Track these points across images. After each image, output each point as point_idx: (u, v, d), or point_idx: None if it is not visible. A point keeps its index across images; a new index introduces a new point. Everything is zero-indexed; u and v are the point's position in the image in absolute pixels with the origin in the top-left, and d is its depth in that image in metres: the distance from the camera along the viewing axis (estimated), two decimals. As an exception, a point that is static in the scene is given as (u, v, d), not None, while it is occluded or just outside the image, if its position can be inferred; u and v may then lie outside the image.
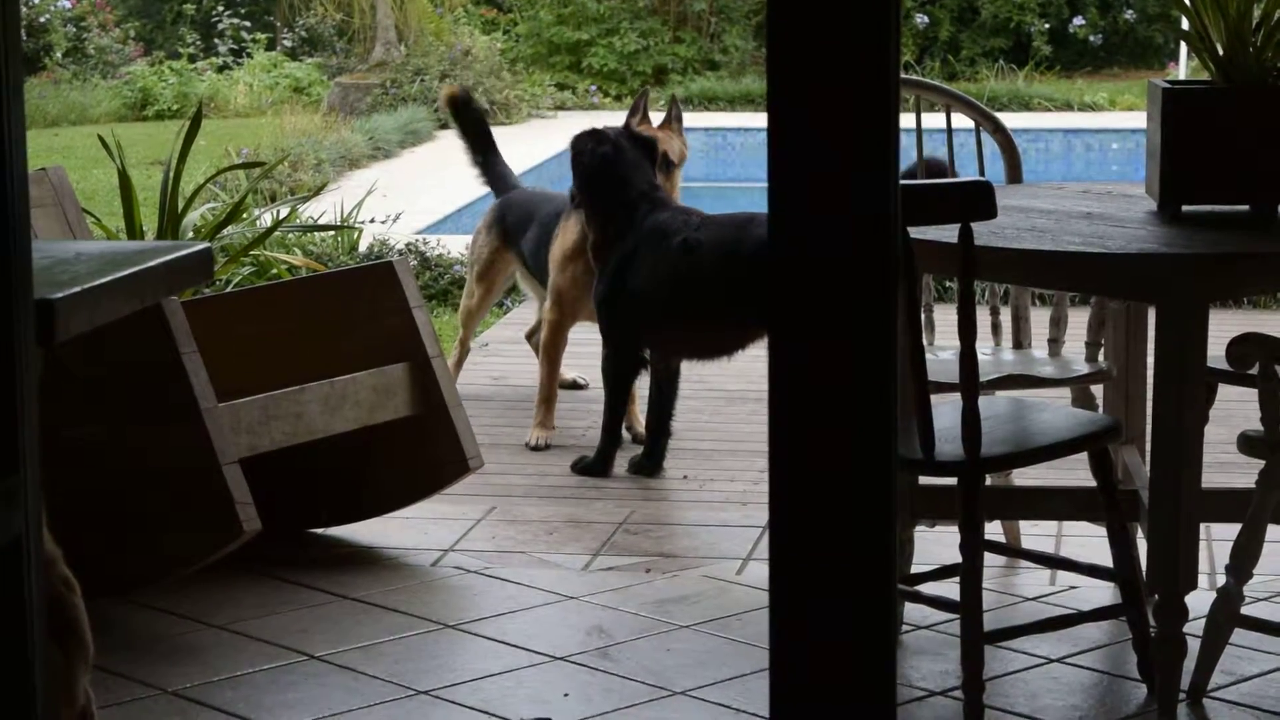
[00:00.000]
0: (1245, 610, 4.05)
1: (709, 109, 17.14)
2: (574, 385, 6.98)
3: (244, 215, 7.54)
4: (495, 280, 6.84)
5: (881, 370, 1.87)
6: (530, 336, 7.08)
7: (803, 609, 1.92)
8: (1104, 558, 4.25)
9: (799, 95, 1.84)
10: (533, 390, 6.79)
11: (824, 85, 1.83)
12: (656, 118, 6.47)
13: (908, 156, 5.06)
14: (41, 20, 18.02)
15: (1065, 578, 4.82)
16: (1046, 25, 18.68)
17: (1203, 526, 4.30)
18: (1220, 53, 4.23)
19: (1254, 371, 3.92)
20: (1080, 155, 15.93)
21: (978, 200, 3.85)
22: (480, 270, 6.84)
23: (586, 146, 6.01)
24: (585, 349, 6.90)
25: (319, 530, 5.36)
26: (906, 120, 4.96)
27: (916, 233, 3.89)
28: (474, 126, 7.01)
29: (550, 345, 6.39)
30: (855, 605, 1.91)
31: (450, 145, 14.73)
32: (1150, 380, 4.08)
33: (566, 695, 4.19)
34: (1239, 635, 4.13)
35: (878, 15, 1.82)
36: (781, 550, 1.92)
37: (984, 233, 3.96)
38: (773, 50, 1.84)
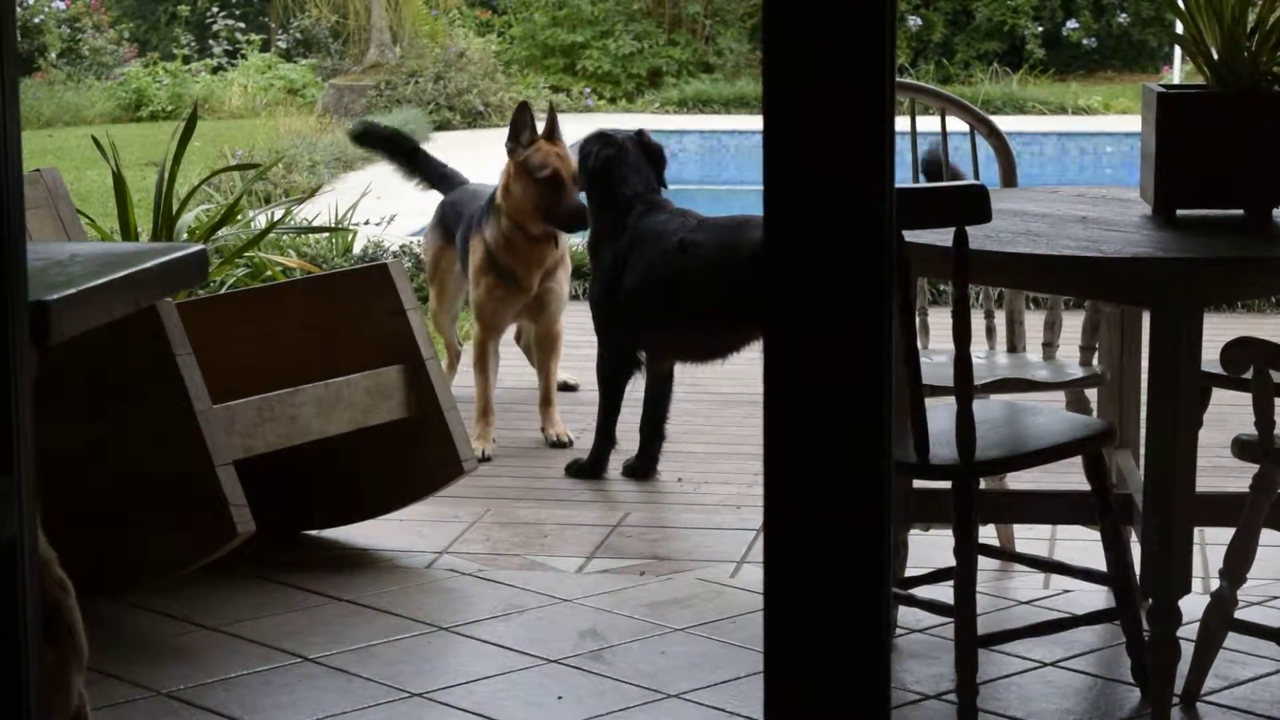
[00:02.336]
0: (1239, 614, 4.05)
1: (704, 112, 17.15)
2: (566, 387, 6.98)
3: (238, 217, 7.54)
4: (445, 280, 6.84)
5: (877, 371, 1.87)
6: (519, 338, 7.09)
7: (797, 612, 1.92)
8: (1098, 562, 4.25)
9: (794, 96, 1.84)
10: (527, 392, 6.80)
11: (820, 86, 1.83)
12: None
13: (903, 160, 5.07)
14: (36, 21, 18.02)
15: (1059, 581, 4.82)
16: (1040, 28, 18.69)
17: (1196, 531, 4.30)
18: (1215, 57, 4.23)
19: (1248, 375, 3.92)
20: (1074, 159, 15.94)
21: (972, 204, 3.85)
22: (429, 273, 6.90)
23: (593, 148, 6.04)
24: (579, 351, 6.90)
25: (313, 532, 5.36)
26: (902, 124, 4.97)
27: (911, 236, 3.89)
28: (387, 147, 7.08)
29: (477, 360, 6.40)
30: (849, 608, 1.91)
31: (445, 147, 14.74)
32: (1144, 384, 4.09)
33: (560, 698, 4.19)
34: (1232, 639, 4.13)
35: (873, 16, 1.82)
36: (776, 553, 1.92)
37: (979, 236, 3.97)
38: (768, 52, 1.84)
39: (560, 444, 6.29)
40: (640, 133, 6.16)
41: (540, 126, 6.30)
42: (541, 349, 6.49)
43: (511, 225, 6.26)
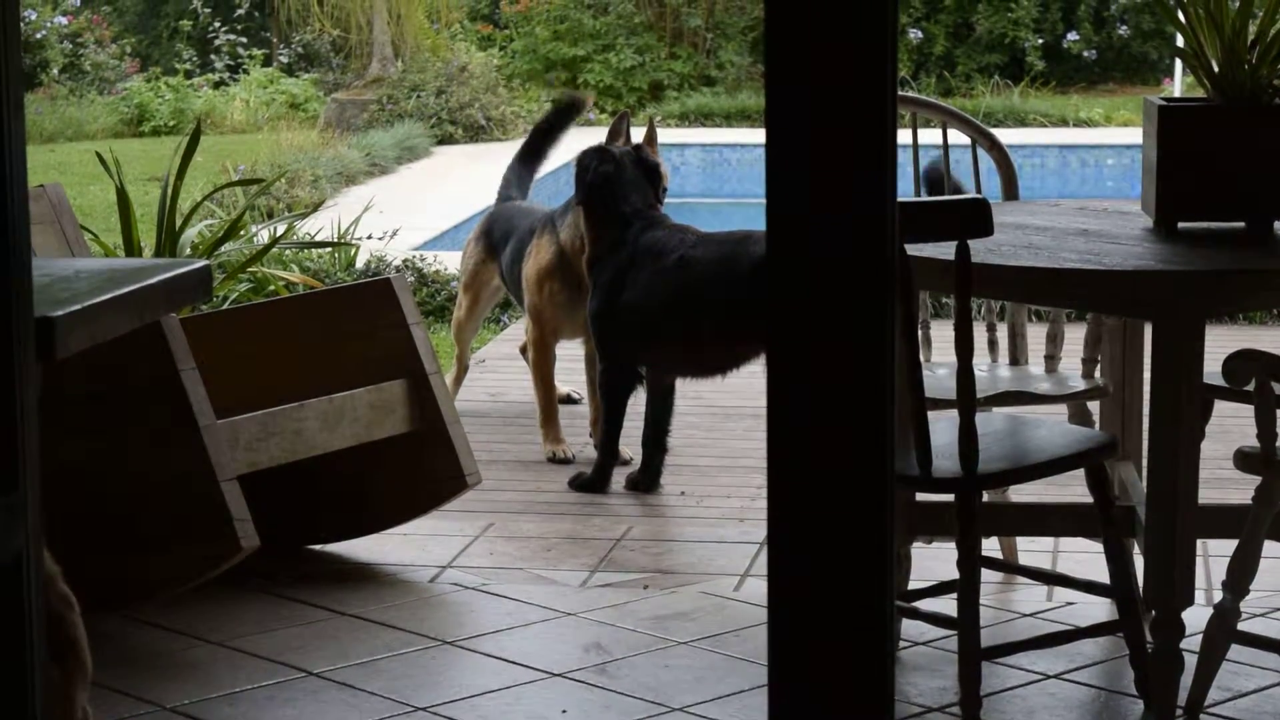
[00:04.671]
0: (1242, 626, 4.05)
1: (705, 125, 17.16)
2: (568, 400, 6.98)
3: (241, 232, 7.55)
4: (480, 292, 6.86)
5: (879, 375, 1.87)
6: (524, 351, 7.09)
7: (800, 625, 1.92)
8: (1101, 574, 4.25)
9: (796, 97, 1.85)
10: (531, 405, 6.80)
11: (821, 87, 1.84)
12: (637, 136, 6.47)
13: (904, 173, 5.08)
14: (38, 36, 18.04)
15: (1062, 594, 4.82)
16: (1041, 41, 18.70)
17: (1199, 542, 4.31)
18: (1215, 70, 4.24)
19: (1250, 387, 3.92)
20: (1076, 171, 15.94)
21: (974, 217, 3.85)
22: (466, 281, 6.90)
23: (590, 163, 6.05)
24: (577, 364, 6.90)
25: (317, 546, 5.36)
26: (903, 137, 4.98)
27: (914, 250, 3.90)
28: (549, 130, 7.10)
29: (539, 363, 6.42)
30: (853, 621, 1.91)
31: (447, 161, 14.76)
32: (1147, 396, 4.09)
33: (565, 712, 4.19)
34: (1235, 651, 4.14)
35: (875, 16, 1.83)
36: (779, 566, 1.93)
37: (981, 250, 3.97)
38: (770, 52, 1.85)
39: (622, 461, 6.19)
40: (638, 148, 6.17)
41: (636, 136, 6.32)
42: (593, 366, 6.46)
43: None
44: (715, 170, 16.30)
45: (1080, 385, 4.84)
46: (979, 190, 4.89)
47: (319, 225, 9.56)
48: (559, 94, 7.09)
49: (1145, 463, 4.04)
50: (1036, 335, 5.27)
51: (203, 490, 4.53)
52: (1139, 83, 18.76)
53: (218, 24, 19.16)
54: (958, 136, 5.04)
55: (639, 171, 6.07)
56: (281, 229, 8.29)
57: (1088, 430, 4.36)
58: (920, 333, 4.77)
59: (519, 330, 8.19)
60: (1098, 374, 4.87)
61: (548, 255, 6.34)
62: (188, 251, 6.78)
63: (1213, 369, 4.05)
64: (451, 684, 4.37)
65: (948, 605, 4.08)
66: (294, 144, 14.22)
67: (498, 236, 6.74)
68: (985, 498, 4.72)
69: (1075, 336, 5.36)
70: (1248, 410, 3.99)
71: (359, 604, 4.90)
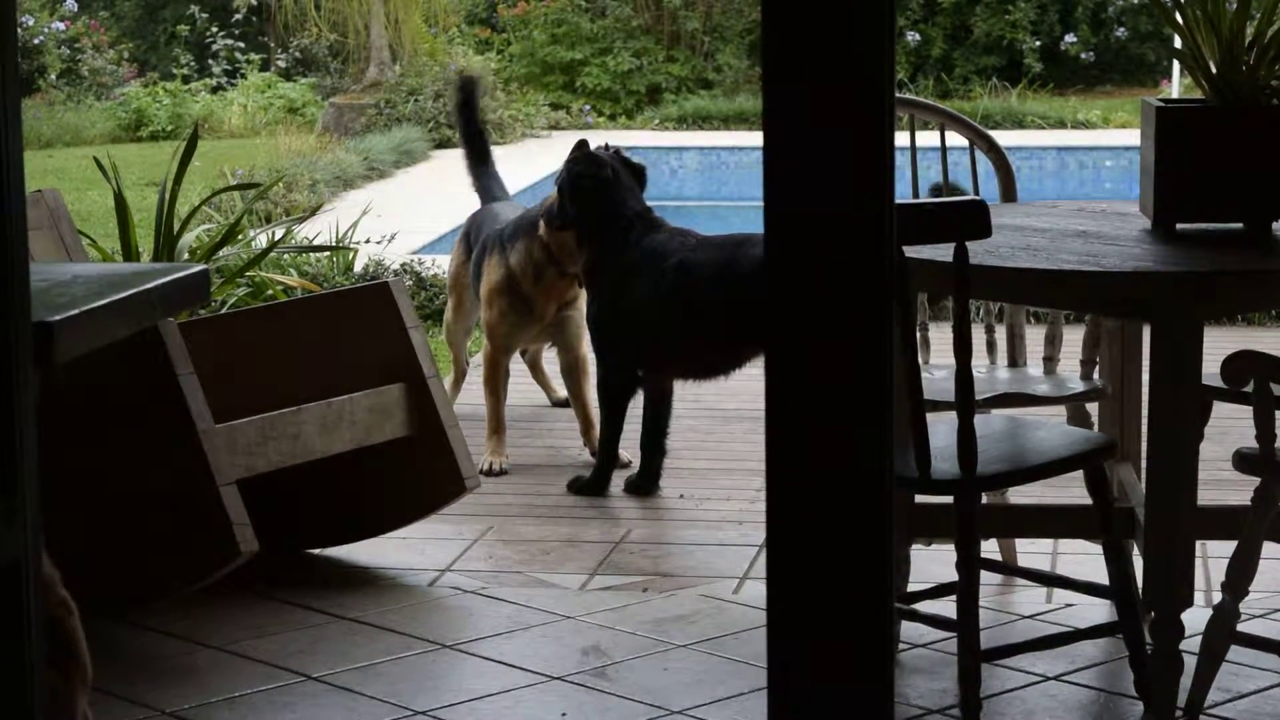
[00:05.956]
0: (1241, 627, 4.05)
1: (703, 128, 17.16)
2: (567, 403, 6.97)
3: (239, 236, 7.54)
4: (463, 293, 6.85)
5: (877, 372, 1.87)
6: (523, 354, 7.08)
7: (799, 628, 1.92)
8: (1100, 575, 4.25)
9: (794, 95, 1.85)
10: (530, 409, 6.80)
11: (819, 85, 1.84)
12: None
13: (902, 176, 5.08)
14: (36, 42, 18.04)
15: (1061, 595, 4.82)
16: (1038, 43, 18.70)
17: (1198, 544, 4.31)
18: (1213, 71, 4.24)
19: (1249, 389, 3.92)
20: (1074, 173, 15.95)
21: (973, 219, 3.85)
22: (450, 283, 6.91)
23: (583, 169, 6.02)
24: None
25: (316, 550, 5.36)
26: (901, 139, 4.98)
27: (912, 252, 3.90)
28: (471, 118, 7.11)
29: (488, 379, 6.42)
30: (852, 623, 1.91)
31: (445, 165, 14.76)
32: (1145, 398, 4.09)
33: (564, 715, 4.19)
34: (1235, 652, 4.13)
35: (872, 14, 1.83)
36: (778, 568, 1.92)
37: (979, 251, 3.97)
38: (768, 51, 1.85)
39: (621, 465, 6.16)
40: (618, 151, 6.16)
41: None
42: (571, 377, 6.46)
43: (546, 258, 6.24)
44: (713, 173, 16.30)
45: (1079, 387, 4.84)
46: (977, 192, 4.89)
47: (317, 229, 9.55)
48: (452, 82, 7.13)
49: (1144, 464, 4.04)
50: (1035, 337, 5.27)
51: (201, 495, 4.53)
52: (1137, 84, 18.76)
53: (215, 29, 19.16)
54: (956, 139, 5.04)
55: (630, 174, 6.06)
56: (279, 233, 8.29)
57: (1087, 432, 4.36)
58: (919, 335, 4.77)
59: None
60: (1096, 375, 4.87)
61: (496, 276, 6.35)
62: (186, 256, 6.77)
63: (1211, 370, 4.05)
64: (450, 688, 4.37)
65: (947, 607, 4.08)
66: (292, 148, 14.22)
67: (474, 239, 6.74)
68: (984, 499, 4.72)
69: (1074, 338, 5.36)
70: (1246, 412, 3.98)
71: (358, 608, 4.89)
